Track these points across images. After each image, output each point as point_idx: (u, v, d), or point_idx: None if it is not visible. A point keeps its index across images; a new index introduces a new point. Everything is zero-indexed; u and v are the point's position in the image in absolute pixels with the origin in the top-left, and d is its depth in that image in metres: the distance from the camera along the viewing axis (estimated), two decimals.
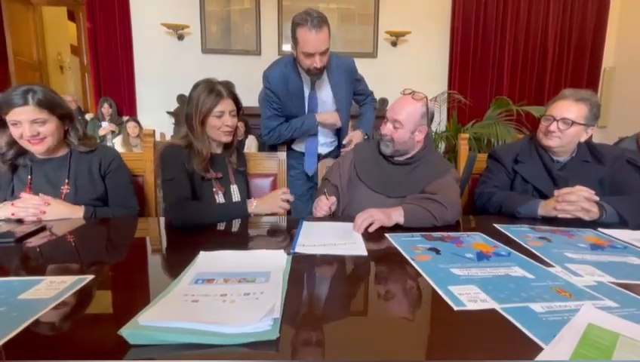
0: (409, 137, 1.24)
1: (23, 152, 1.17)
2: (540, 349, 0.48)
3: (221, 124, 1.23)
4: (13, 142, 1.15)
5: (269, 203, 1.12)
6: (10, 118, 1.10)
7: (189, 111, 1.23)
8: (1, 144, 1.13)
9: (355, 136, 1.65)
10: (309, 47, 1.37)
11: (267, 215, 1.19)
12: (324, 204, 1.21)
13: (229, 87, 1.28)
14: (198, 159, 1.21)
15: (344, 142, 1.64)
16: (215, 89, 1.23)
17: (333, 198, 1.23)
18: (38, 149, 1.15)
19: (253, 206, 1.08)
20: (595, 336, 0.50)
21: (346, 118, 1.70)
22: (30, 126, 1.10)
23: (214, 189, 1.25)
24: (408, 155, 1.30)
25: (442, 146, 3.89)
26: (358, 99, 1.82)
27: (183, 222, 1.06)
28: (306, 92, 1.58)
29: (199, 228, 1.07)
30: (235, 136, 1.35)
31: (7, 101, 1.09)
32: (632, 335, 0.51)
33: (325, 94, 1.61)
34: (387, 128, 1.25)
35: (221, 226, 1.10)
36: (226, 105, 1.24)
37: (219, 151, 1.33)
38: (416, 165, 1.29)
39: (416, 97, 1.23)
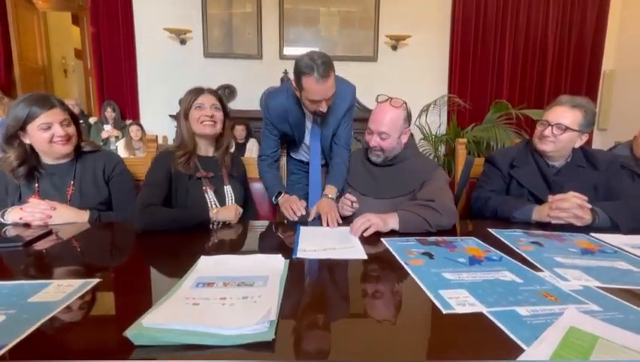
0: (397, 143, 1.31)
1: (33, 167, 1.21)
2: (522, 350, 0.51)
3: (199, 114, 1.29)
4: (23, 158, 1.19)
5: (229, 214, 1.21)
6: (40, 121, 1.15)
7: (179, 116, 1.33)
8: (11, 159, 1.17)
9: (327, 209, 1.25)
10: (316, 96, 1.29)
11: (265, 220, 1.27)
12: (347, 200, 1.28)
13: (211, 88, 1.37)
14: (182, 152, 1.28)
15: (311, 216, 1.31)
16: (195, 88, 1.34)
17: (353, 197, 1.28)
18: (67, 149, 1.22)
19: (214, 212, 1.19)
20: (575, 339, 0.53)
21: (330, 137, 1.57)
22: (61, 126, 1.18)
23: (204, 187, 1.30)
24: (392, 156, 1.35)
25: (442, 149, 3.92)
26: (335, 140, 1.54)
27: (146, 225, 1.11)
28: (308, 124, 1.54)
29: (200, 232, 1.11)
30: (225, 136, 1.40)
31: (34, 109, 1.14)
32: (611, 337, 0.53)
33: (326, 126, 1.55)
34: (375, 140, 1.30)
35: (223, 231, 1.14)
36: (206, 98, 1.31)
37: (210, 153, 1.38)
38: (401, 165, 1.34)
39: (395, 104, 1.27)
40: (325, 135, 1.53)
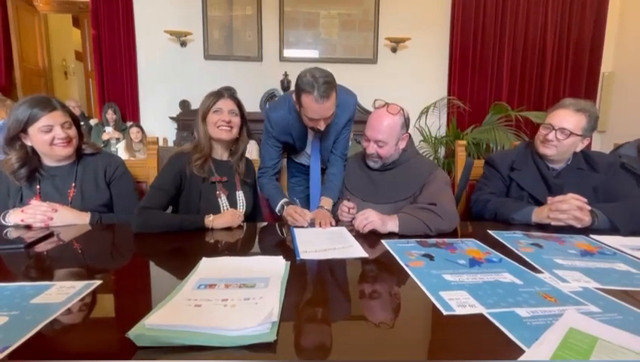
0: (395, 149, 1.30)
1: (34, 169, 1.22)
2: (522, 352, 0.51)
3: (217, 118, 1.28)
4: (24, 160, 1.19)
5: (226, 219, 1.18)
6: (41, 124, 1.15)
7: (197, 116, 1.31)
8: (12, 161, 1.17)
9: (321, 216, 1.25)
10: (315, 115, 1.28)
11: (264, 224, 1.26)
12: (345, 206, 1.26)
13: (230, 90, 1.35)
14: (198, 155, 1.28)
15: (307, 221, 1.23)
16: (216, 90, 1.32)
17: (351, 204, 1.27)
18: (67, 151, 1.21)
19: (210, 219, 1.15)
20: (575, 340, 0.53)
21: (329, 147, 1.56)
22: (62, 129, 1.18)
23: (218, 192, 1.30)
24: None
25: (442, 151, 3.93)
26: (333, 150, 1.54)
27: (140, 228, 1.11)
28: (309, 137, 1.53)
29: (201, 234, 1.11)
30: (240, 141, 1.39)
31: (35, 111, 1.14)
32: (611, 338, 0.54)
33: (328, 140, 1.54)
34: (372, 147, 1.28)
35: (224, 233, 1.14)
36: (225, 103, 1.30)
37: (225, 157, 1.37)
38: (401, 168, 1.34)
39: (392, 110, 1.25)
40: (325, 146, 1.52)
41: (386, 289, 0.75)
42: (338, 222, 1.26)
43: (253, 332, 0.53)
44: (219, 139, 1.32)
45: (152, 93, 4.01)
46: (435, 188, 1.25)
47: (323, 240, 1.03)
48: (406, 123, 1.30)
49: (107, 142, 3.85)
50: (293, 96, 1.34)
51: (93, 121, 4.10)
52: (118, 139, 3.85)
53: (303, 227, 1.19)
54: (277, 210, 1.39)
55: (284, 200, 1.39)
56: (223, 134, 1.30)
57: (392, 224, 1.09)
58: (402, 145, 1.32)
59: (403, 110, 1.29)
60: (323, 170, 1.61)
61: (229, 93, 1.33)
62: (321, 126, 1.32)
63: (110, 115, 3.86)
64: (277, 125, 1.46)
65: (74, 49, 5.95)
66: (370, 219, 1.08)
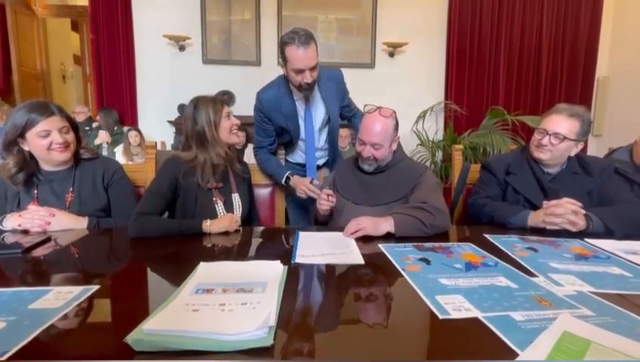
0: (389, 151, 1.33)
1: (31, 173, 1.22)
2: (516, 355, 0.52)
3: (231, 124, 1.34)
4: (22, 165, 1.19)
5: (223, 224, 1.18)
6: (39, 129, 1.15)
7: (200, 128, 1.28)
8: (10, 166, 1.18)
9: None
10: (299, 64, 1.38)
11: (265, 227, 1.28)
12: (323, 194, 1.32)
13: (229, 95, 1.41)
14: (207, 166, 1.28)
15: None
16: (217, 99, 1.35)
17: (329, 191, 1.32)
18: (65, 156, 1.22)
19: (208, 224, 1.16)
20: (569, 343, 0.54)
21: (336, 128, 1.73)
22: (59, 134, 1.18)
23: (214, 199, 1.30)
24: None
25: (439, 155, 3.94)
26: (346, 114, 1.78)
27: (136, 233, 1.11)
28: (300, 112, 1.60)
29: (199, 238, 1.12)
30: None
31: (33, 116, 1.15)
32: (604, 341, 0.54)
33: (318, 110, 1.63)
34: (368, 151, 1.30)
35: (221, 238, 1.15)
36: (228, 108, 1.37)
37: (220, 161, 1.38)
38: (392, 171, 1.37)
39: (385, 113, 1.28)
40: (333, 113, 1.61)
41: (382, 293, 0.75)
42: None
43: (251, 336, 0.54)
44: (230, 143, 1.35)
45: (151, 97, 4.01)
46: (425, 188, 1.29)
47: (323, 246, 1.04)
48: (397, 125, 1.34)
49: (99, 146, 3.84)
50: (280, 60, 1.47)
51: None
52: (108, 143, 3.83)
53: (307, 231, 1.20)
54: (282, 182, 1.55)
55: (289, 171, 1.52)
56: (236, 138, 1.37)
57: (386, 225, 1.10)
58: (394, 146, 1.35)
59: (394, 113, 1.32)
60: (319, 167, 1.66)
61: (226, 99, 1.39)
62: (308, 78, 1.42)
63: (99, 119, 3.86)
64: (267, 101, 1.55)
65: (72, 53, 5.95)
66: (363, 225, 1.09)
